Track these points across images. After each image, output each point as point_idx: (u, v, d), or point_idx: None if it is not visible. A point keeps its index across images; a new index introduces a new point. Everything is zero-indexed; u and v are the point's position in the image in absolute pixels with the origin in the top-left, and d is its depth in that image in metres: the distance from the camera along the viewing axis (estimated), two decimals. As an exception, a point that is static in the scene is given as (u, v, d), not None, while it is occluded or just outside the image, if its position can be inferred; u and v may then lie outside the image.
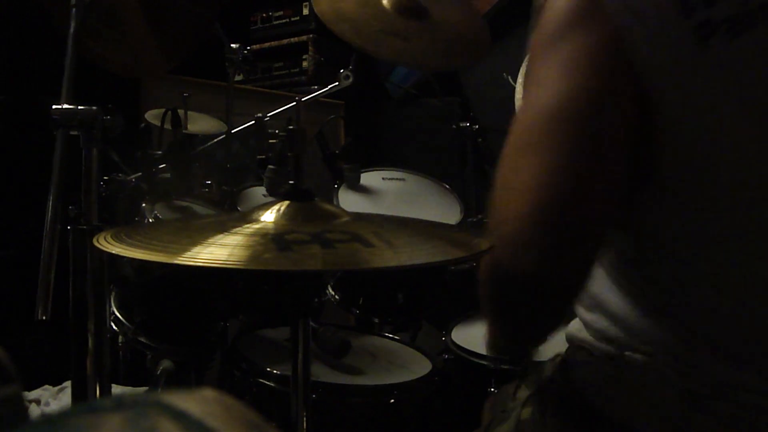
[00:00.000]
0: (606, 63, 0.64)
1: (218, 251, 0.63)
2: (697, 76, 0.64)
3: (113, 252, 0.66)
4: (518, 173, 0.65)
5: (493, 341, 0.81)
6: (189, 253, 0.63)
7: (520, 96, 1.66)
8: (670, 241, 0.69)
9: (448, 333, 1.39)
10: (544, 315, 0.71)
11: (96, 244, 0.69)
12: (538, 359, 0.95)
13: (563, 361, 0.84)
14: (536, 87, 0.68)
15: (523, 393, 0.88)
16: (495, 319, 0.76)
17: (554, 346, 0.91)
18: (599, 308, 0.78)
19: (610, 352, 0.75)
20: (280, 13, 2.87)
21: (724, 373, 0.66)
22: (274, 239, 0.67)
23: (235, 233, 0.68)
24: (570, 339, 0.84)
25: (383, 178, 1.73)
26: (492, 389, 1.22)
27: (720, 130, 0.65)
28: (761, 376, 0.65)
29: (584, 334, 0.81)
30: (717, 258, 0.67)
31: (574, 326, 0.84)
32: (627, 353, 0.73)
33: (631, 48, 0.63)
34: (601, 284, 0.77)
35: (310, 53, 2.76)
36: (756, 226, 0.66)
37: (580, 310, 0.82)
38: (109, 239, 0.69)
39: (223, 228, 0.70)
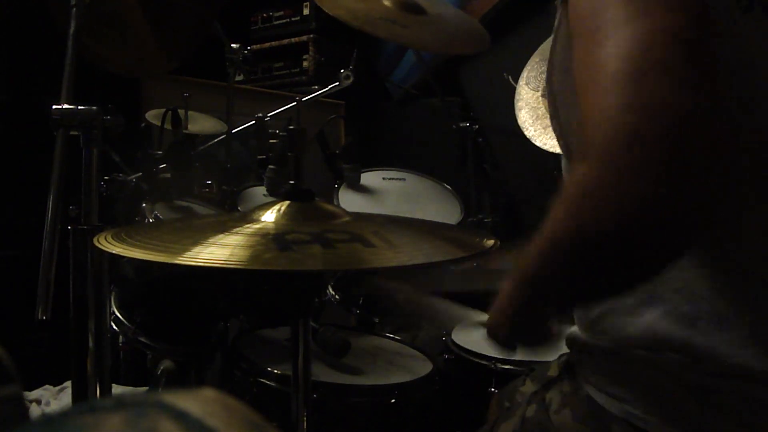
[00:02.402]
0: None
1: (219, 251, 0.63)
2: (737, 36, 0.63)
3: (113, 252, 0.66)
4: (638, 95, 0.56)
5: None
6: (190, 253, 0.63)
7: (522, 96, 1.66)
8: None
9: (449, 333, 1.39)
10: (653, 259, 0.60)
11: (96, 244, 0.69)
12: (543, 359, 0.95)
13: (567, 360, 0.84)
14: (633, 18, 0.59)
15: (529, 388, 0.88)
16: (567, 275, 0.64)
17: (560, 346, 0.91)
18: (603, 308, 0.77)
19: (613, 348, 0.75)
20: (281, 13, 2.88)
21: (733, 359, 0.65)
22: (275, 239, 0.67)
23: (236, 233, 0.68)
24: (570, 344, 0.84)
25: (383, 178, 1.73)
26: (492, 389, 1.22)
27: (747, 98, 0.64)
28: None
29: (587, 335, 0.80)
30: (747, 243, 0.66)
31: (573, 331, 0.84)
32: (632, 350, 0.72)
33: None
34: None
35: (310, 53, 2.76)
36: None
37: (581, 310, 0.82)
38: (110, 239, 0.69)
39: (224, 228, 0.70)
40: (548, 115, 1.57)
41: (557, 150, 1.57)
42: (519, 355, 1.21)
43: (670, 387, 0.68)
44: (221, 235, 0.67)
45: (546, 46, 1.68)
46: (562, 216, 0.61)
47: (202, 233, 0.73)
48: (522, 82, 1.69)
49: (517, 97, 1.69)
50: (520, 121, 1.64)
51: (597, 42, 0.61)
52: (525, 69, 1.71)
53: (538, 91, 1.64)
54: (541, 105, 1.62)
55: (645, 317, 0.71)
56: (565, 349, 0.88)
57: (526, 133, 1.61)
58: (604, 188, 0.57)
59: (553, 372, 0.86)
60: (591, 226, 0.59)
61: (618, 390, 0.72)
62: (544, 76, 1.65)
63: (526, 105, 1.65)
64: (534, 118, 1.61)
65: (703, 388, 0.66)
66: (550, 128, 1.56)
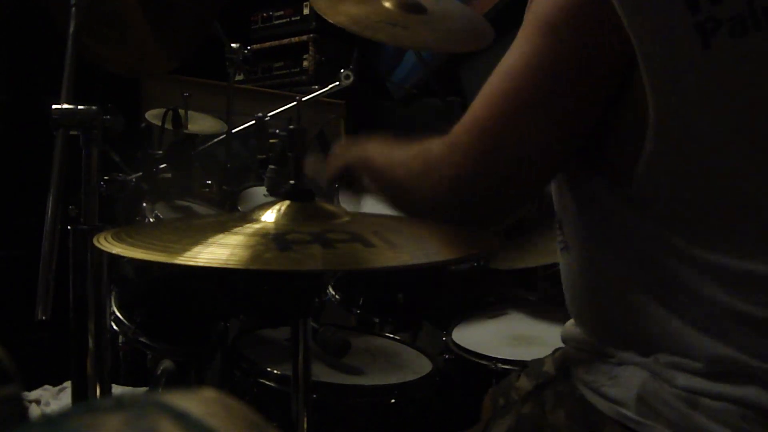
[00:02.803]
0: (563, 67, 0.69)
1: (219, 251, 0.63)
2: (697, 73, 0.64)
3: (113, 252, 0.66)
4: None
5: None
6: (190, 253, 0.63)
7: None
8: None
9: (449, 333, 1.39)
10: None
11: (96, 244, 0.68)
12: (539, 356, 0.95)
13: (562, 360, 0.84)
14: (502, 71, 0.74)
15: (523, 383, 0.88)
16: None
17: (554, 346, 0.91)
18: (596, 307, 0.78)
19: (607, 350, 0.75)
20: (281, 12, 2.88)
21: (723, 360, 0.66)
22: (275, 239, 0.67)
23: (236, 233, 0.68)
24: (566, 339, 0.84)
25: (384, 178, 1.72)
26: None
27: (716, 130, 0.65)
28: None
29: (581, 335, 0.81)
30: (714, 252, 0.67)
31: (570, 326, 0.84)
32: (624, 352, 0.73)
33: (635, 40, 0.64)
34: (600, 283, 0.76)
35: (310, 53, 2.76)
36: (755, 235, 0.66)
37: (576, 310, 0.82)
38: (110, 239, 0.69)
39: (224, 228, 0.70)
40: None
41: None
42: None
43: (661, 390, 0.68)
44: (221, 235, 0.67)
45: None
46: (419, 162, 0.82)
47: (202, 233, 0.73)
48: None
49: None
50: None
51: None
52: None
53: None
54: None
55: (639, 319, 0.71)
56: (559, 344, 0.88)
57: None
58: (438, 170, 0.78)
59: (547, 367, 0.86)
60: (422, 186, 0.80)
61: (611, 391, 0.72)
62: None
63: None
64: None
65: (694, 392, 0.66)
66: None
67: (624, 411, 0.71)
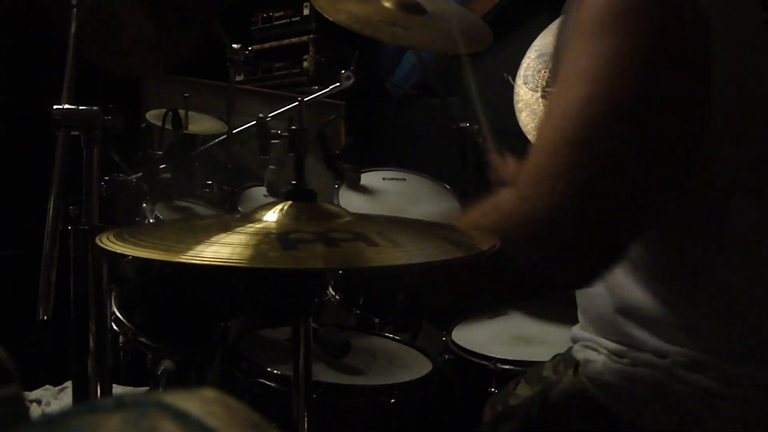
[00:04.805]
0: (657, 59, 0.60)
1: (223, 250, 0.63)
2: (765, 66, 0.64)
3: (117, 251, 0.66)
4: (563, 168, 0.62)
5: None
6: (192, 251, 0.63)
7: (521, 97, 1.66)
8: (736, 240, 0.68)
9: (448, 333, 1.39)
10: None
11: (98, 243, 0.68)
12: (538, 360, 0.95)
13: (572, 359, 0.83)
14: (579, 79, 0.63)
15: (523, 390, 0.87)
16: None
17: (554, 346, 0.91)
18: (614, 306, 0.77)
19: (620, 350, 0.74)
20: (281, 13, 2.88)
21: (740, 371, 0.65)
22: (279, 238, 0.67)
23: (240, 232, 0.68)
24: (575, 338, 0.84)
25: (384, 178, 1.73)
26: (492, 389, 1.22)
27: None
28: None
29: (591, 333, 0.80)
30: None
31: (579, 325, 0.83)
32: (639, 352, 0.72)
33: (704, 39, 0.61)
34: (620, 282, 0.75)
35: (310, 53, 2.77)
36: None
37: (585, 308, 0.81)
38: (112, 238, 0.69)
39: (227, 227, 0.71)
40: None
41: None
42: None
43: (679, 392, 0.68)
44: (224, 234, 0.67)
45: (540, 42, 1.68)
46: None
47: (205, 232, 0.73)
48: (519, 81, 1.68)
49: (516, 98, 1.68)
50: (521, 124, 1.64)
51: (565, 86, 0.65)
52: (521, 67, 1.70)
53: (537, 91, 1.63)
54: (541, 106, 1.62)
55: (656, 326, 0.70)
56: (559, 350, 0.87)
57: (529, 137, 1.61)
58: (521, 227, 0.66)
59: (547, 373, 0.86)
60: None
61: (624, 392, 0.72)
62: (542, 74, 1.64)
63: (526, 107, 1.65)
64: (535, 120, 1.61)
65: (712, 395, 0.66)
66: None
67: (637, 413, 0.70)
